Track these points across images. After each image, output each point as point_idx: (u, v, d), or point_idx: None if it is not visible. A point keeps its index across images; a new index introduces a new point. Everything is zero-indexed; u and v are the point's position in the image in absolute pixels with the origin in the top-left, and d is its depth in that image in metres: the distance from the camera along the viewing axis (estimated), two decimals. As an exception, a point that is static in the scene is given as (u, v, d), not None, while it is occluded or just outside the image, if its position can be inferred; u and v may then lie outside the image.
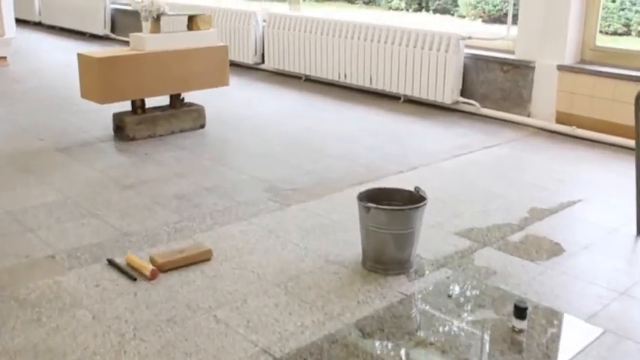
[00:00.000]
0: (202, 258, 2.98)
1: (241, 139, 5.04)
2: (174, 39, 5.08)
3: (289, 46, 7.29)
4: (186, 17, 5.27)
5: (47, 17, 11.47)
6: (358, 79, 6.62)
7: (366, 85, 6.56)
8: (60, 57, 8.60)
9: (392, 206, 2.91)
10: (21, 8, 11.43)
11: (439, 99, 5.94)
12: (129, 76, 4.79)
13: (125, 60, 4.80)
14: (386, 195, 3.02)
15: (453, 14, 12.60)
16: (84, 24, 10.50)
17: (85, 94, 4.88)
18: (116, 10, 10.23)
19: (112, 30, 10.24)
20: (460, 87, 5.92)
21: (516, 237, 3.34)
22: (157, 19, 5.04)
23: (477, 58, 5.87)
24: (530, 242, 3.29)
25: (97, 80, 4.70)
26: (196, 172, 4.24)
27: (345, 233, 3.31)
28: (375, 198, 2.98)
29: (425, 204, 2.88)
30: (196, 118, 5.24)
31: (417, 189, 3.00)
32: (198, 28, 5.21)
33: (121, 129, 4.96)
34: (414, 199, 2.97)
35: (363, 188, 3.07)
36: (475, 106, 5.83)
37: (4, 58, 7.99)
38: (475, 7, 12.32)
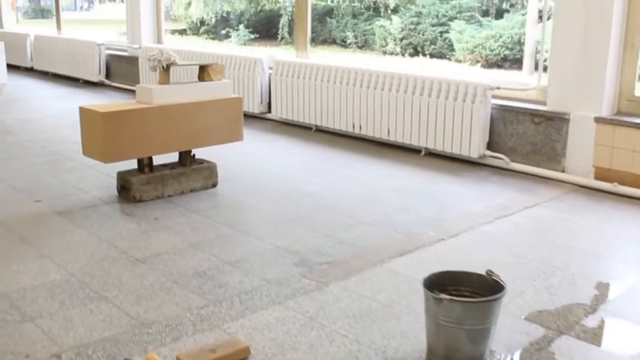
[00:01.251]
0: (239, 357, 2.51)
1: (258, 200, 4.58)
2: (184, 91, 4.67)
3: (297, 94, 6.91)
4: (198, 67, 4.88)
5: (40, 63, 11.09)
6: (374, 130, 6.22)
7: (383, 137, 6.16)
8: (54, 105, 8.17)
9: (462, 294, 2.49)
10: (12, 53, 11.05)
11: (464, 152, 5.55)
12: (136, 132, 4.36)
13: (132, 114, 4.37)
14: (452, 280, 2.59)
15: (449, 59, 12.38)
16: (78, 70, 10.12)
17: (87, 152, 4.43)
18: (111, 55, 9.86)
19: (107, 76, 9.86)
20: (487, 140, 5.54)
21: (592, 321, 2.91)
22: (167, 69, 4.63)
23: (504, 109, 5.51)
24: (610, 327, 2.86)
25: (102, 137, 4.27)
26: (215, 242, 3.77)
27: (399, 320, 2.85)
28: (440, 283, 2.54)
29: (505, 293, 2.45)
30: (208, 176, 4.80)
31: (489, 273, 2.57)
32: (211, 79, 4.81)
33: (126, 189, 4.51)
34: (485, 284, 2.54)
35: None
36: (504, 161, 5.44)
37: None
38: (472, 52, 12.11)
